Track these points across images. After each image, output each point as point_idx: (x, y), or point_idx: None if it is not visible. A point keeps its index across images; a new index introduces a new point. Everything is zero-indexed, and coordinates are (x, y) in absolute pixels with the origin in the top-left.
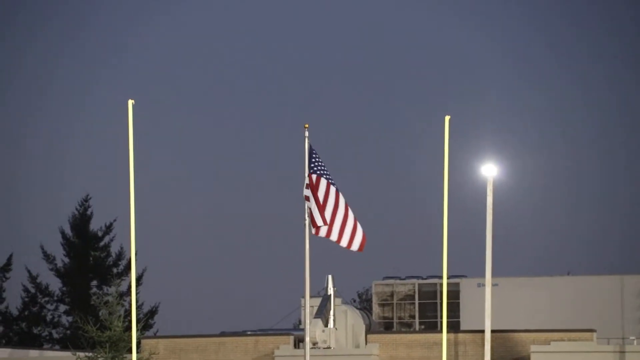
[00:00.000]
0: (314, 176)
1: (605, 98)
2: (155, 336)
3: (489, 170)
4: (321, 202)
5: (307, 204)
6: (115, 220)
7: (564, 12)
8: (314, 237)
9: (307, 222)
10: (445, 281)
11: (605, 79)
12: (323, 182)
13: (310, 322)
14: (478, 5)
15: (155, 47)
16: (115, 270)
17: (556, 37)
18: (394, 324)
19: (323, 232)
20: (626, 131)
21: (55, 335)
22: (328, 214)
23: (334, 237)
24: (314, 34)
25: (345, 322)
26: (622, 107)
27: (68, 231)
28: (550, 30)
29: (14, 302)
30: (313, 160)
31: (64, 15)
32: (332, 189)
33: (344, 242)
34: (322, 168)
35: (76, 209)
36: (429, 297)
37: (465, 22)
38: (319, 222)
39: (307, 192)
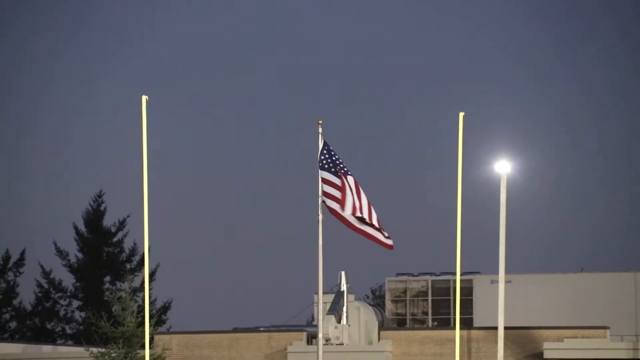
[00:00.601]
0: (334, 176)
1: (614, 96)
2: (168, 332)
3: (503, 167)
4: (353, 195)
5: (323, 199)
6: (128, 216)
7: (574, 13)
8: (328, 233)
9: (320, 218)
10: (458, 278)
11: (612, 78)
12: (350, 180)
13: (323, 319)
14: (491, 4)
15: (168, 45)
16: (128, 266)
17: (564, 38)
18: (407, 321)
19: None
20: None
21: (69, 331)
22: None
23: (365, 214)
24: (327, 34)
25: (358, 318)
26: (631, 104)
27: (81, 227)
28: (559, 32)
29: (27, 297)
30: (332, 156)
31: (64, 15)
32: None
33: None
34: (341, 164)
35: (90, 204)
36: (442, 294)
37: (477, 23)
38: (348, 210)
39: (326, 188)
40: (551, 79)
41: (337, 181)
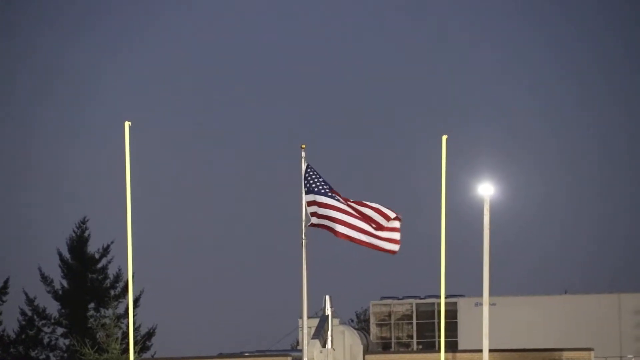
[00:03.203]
0: (324, 196)
1: (604, 120)
2: (153, 358)
3: (486, 190)
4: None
5: (314, 221)
6: (112, 243)
7: (552, 39)
8: (311, 258)
9: (304, 242)
10: (443, 301)
11: (603, 97)
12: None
13: (308, 343)
14: (475, 25)
15: (150, 70)
16: (112, 292)
17: (548, 58)
18: (392, 344)
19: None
20: (623, 151)
21: (53, 359)
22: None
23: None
24: (311, 58)
25: (343, 342)
26: (621, 128)
27: (65, 253)
28: (546, 48)
29: (10, 325)
30: (318, 178)
31: (47, 44)
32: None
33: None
34: (326, 187)
35: (73, 231)
36: (427, 317)
37: (462, 43)
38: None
39: (317, 209)
40: (539, 98)
41: (328, 200)
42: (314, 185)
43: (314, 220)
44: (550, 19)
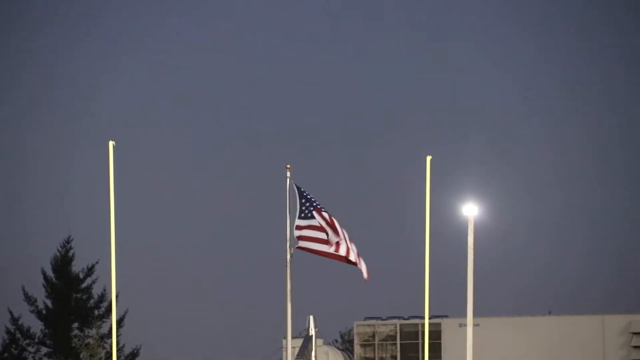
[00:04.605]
0: (317, 214)
1: (595, 139)
2: None
3: (470, 210)
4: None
5: (301, 244)
6: (97, 262)
7: (547, 56)
8: (295, 278)
9: (288, 262)
10: (427, 322)
11: (596, 114)
12: (325, 215)
13: None
14: (461, 44)
15: (132, 92)
16: (96, 312)
17: (534, 77)
18: None
19: (343, 250)
20: (613, 171)
21: None
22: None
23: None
24: (296, 82)
25: None
26: (613, 148)
27: (50, 273)
28: (536, 62)
29: None
30: (309, 200)
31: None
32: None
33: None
34: (315, 201)
35: (58, 250)
36: (411, 338)
37: (448, 64)
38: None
39: (302, 232)
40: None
41: (317, 223)
42: (303, 208)
43: (301, 243)
44: (548, 33)
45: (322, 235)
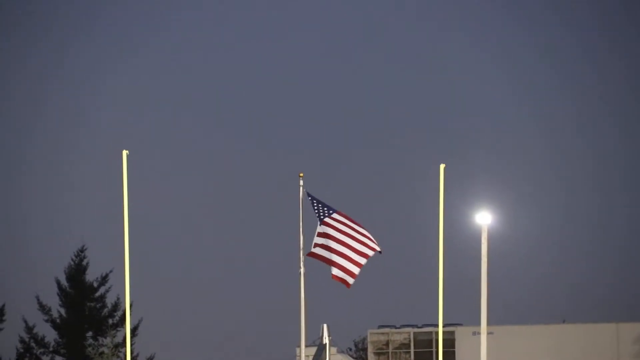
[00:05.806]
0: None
1: (602, 147)
2: None
3: (484, 219)
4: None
5: (316, 252)
6: (111, 271)
7: (551, 54)
8: (309, 286)
9: (302, 270)
10: (440, 330)
11: (603, 123)
12: (337, 217)
13: None
14: (473, 50)
15: (147, 100)
16: (110, 321)
17: (545, 84)
18: None
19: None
20: (621, 178)
21: None
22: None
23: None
24: (307, 88)
25: None
26: (619, 154)
27: (64, 282)
28: (545, 70)
29: (7, 353)
30: (322, 207)
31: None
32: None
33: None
34: (326, 207)
35: (72, 259)
36: (425, 346)
37: (460, 71)
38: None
39: (321, 240)
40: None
41: (327, 230)
42: (320, 214)
43: (316, 250)
44: (557, 48)
45: (339, 247)
